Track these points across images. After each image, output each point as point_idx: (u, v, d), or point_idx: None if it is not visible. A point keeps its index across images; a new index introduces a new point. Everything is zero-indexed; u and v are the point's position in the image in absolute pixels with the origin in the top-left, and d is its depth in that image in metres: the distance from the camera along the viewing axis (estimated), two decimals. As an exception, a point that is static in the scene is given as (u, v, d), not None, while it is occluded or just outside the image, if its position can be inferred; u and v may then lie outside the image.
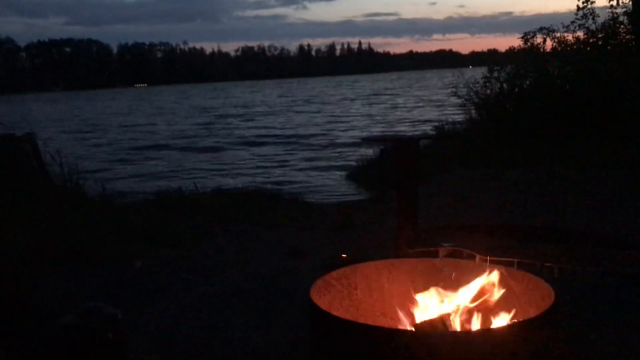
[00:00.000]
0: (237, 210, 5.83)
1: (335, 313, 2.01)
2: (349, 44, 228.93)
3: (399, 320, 2.18)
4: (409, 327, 2.07)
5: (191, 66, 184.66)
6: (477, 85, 10.51)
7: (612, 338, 2.54)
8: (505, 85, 10.25)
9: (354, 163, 10.72)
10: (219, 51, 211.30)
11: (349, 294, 2.24)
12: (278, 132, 21.09)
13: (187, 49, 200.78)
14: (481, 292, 2.20)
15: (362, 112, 28.47)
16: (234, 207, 5.97)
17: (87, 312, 1.67)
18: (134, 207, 5.80)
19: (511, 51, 11.04)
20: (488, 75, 10.42)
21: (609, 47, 9.97)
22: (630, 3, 10.13)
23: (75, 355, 1.62)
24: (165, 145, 18.53)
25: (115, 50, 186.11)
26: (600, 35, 10.08)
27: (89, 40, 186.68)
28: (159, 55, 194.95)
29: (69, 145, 16.78)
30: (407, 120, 22.47)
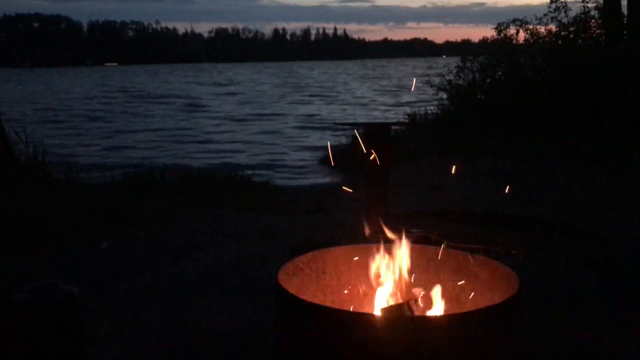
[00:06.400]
0: (208, 193, 5.78)
1: (302, 297, 2.00)
2: (324, 29, 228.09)
3: (366, 304, 2.19)
4: (376, 312, 2.08)
5: (163, 46, 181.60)
6: (450, 74, 10.58)
7: (574, 325, 2.60)
8: (477, 75, 10.34)
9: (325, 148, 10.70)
10: (192, 32, 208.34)
11: (317, 279, 2.24)
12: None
13: (159, 28, 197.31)
14: (447, 278, 2.22)
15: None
16: (204, 190, 5.91)
17: (41, 288, 1.61)
18: (100, 187, 5.69)
19: (484, 42, 11.13)
20: (461, 65, 10.48)
21: (579, 41, 10.14)
22: (602, -2, 10.32)
23: (28, 333, 1.57)
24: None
25: (85, 28, 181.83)
26: (571, 29, 10.24)
27: (58, 16, 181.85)
28: (131, 34, 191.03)
29: None
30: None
